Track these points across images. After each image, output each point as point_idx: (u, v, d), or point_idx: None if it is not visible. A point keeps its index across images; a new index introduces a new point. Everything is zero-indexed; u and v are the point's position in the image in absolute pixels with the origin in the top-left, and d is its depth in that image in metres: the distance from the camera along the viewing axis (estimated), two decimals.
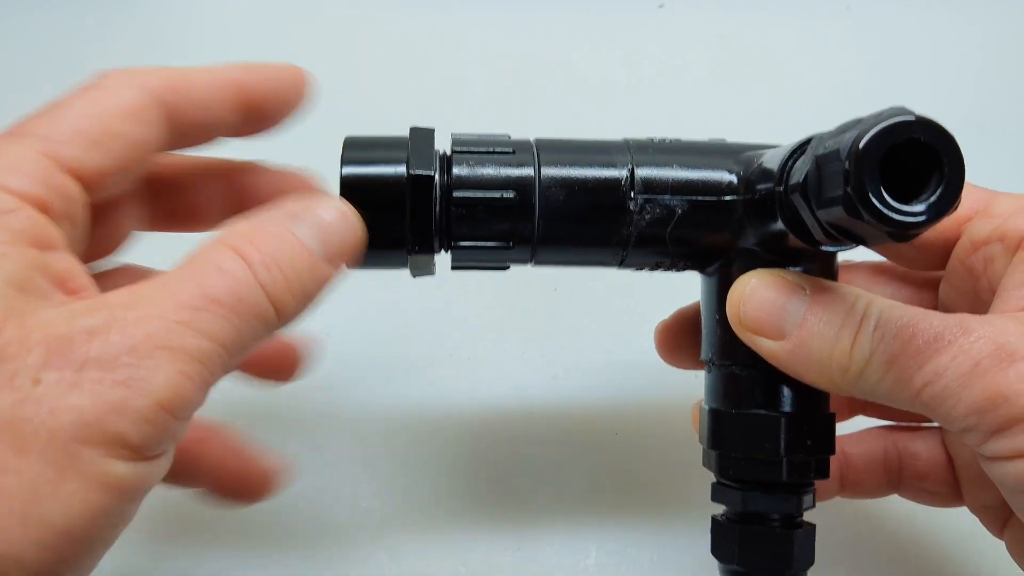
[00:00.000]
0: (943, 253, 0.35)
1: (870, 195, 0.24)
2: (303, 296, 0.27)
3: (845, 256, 0.39)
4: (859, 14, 0.60)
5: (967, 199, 0.34)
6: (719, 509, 0.35)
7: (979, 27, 0.59)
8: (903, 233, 0.24)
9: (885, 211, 0.24)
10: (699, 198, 0.32)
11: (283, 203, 0.28)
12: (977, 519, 0.38)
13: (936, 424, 0.39)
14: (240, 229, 0.27)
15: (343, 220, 0.29)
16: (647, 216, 0.32)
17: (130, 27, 0.59)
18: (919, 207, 0.24)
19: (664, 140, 0.34)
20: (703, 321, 0.35)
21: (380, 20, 0.59)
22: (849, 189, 0.24)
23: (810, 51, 0.59)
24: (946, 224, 0.34)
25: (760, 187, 0.31)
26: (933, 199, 0.24)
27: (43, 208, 0.26)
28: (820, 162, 0.26)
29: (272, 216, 0.28)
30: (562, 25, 0.59)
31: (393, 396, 0.48)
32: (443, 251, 0.34)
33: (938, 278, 0.36)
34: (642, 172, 0.33)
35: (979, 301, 0.33)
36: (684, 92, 0.57)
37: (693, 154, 0.33)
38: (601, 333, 0.49)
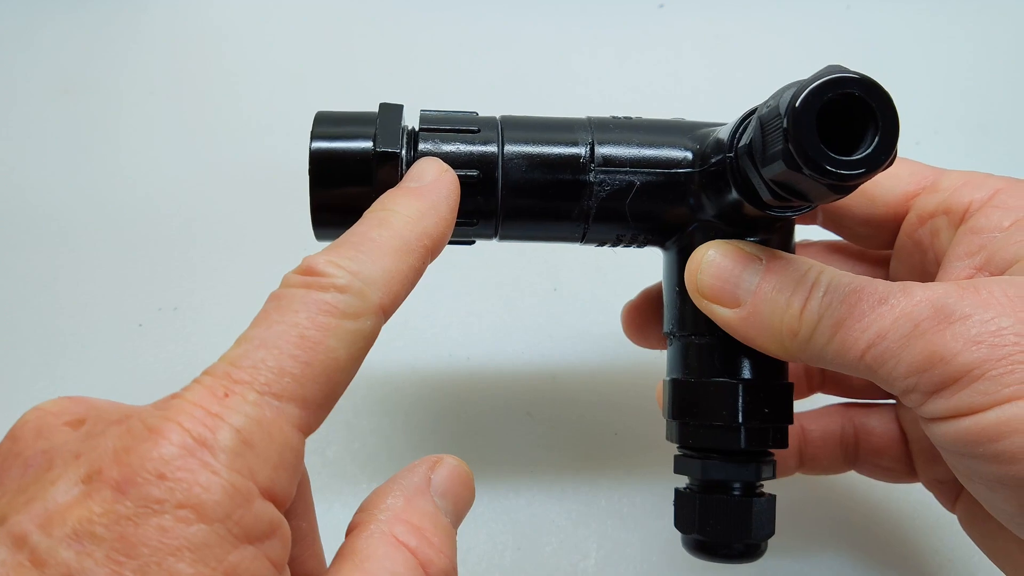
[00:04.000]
0: (893, 229, 0.36)
1: (808, 147, 0.25)
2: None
3: (803, 235, 0.41)
4: (859, 14, 0.61)
5: (915, 176, 0.35)
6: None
7: (978, 27, 0.60)
8: (841, 185, 0.25)
9: (823, 163, 0.25)
10: (656, 171, 0.33)
11: (420, 472, 0.28)
12: (931, 495, 0.38)
13: (891, 401, 0.40)
14: (401, 514, 0.26)
15: (469, 486, 0.29)
16: (607, 189, 0.33)
17: (139, 32, 0.60)
18: (855, 158, 0.25)
19: (625, 118, 0.35)
20: (664, 295, 0.36)
21: (381, 22, 0.60)
22: (789, 143, 0.25)
23: (810, 51, 0.59)
24: (895, 201, 0.35)
25: (714, 159, 0.32)
26: (869, 151, 0.25)
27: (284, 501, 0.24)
28: (763, 122, 0.27)
29: (422, 492, 0.27)
30: (562, 25, 0.60)
31: (393, 396, 0.48)
32: None
33: (890, 256, 0.37)
34: (602, 148, 0.34)
35: (926, 274, 0.34)
36: (684, 92, 0.58)
37: (651, 131, 0.34)
38: (601, 334, 0.50)
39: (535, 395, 0.48)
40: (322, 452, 0.47)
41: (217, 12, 0.61)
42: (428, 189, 0.30)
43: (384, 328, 0.27)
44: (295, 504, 0.29)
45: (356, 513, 0.26)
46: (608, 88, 0.58)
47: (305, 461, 0.45)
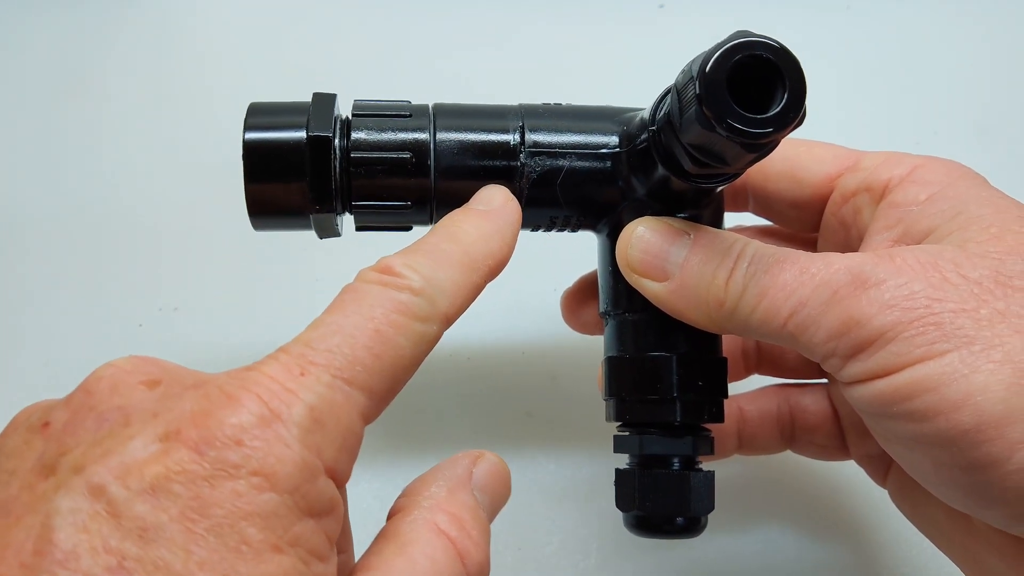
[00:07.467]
0: (819, 210, 0.37)
1: (720, 106, 0.26)
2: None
3: (737, 221, 0.42)
4: (859, 14, 0.61)
5: (839, 158, 0.36)
6: None
7: (978, 27, 0.61)
8: (754, 143, 0.26)
9: (733, 121, 0.26)
10: (585, 152, 0.34)
11: (463, 464, 0.28)
12: (863, 471, 0.39)
13: (823, 381, 0.41)
14: (443, 503, 0.26)
15: (507, 484, 0.29)
16: (537, 171, 0.34)
17: (130, 28, 0.60)
18: (765, 116, 0.26)
19: (555, 104, 0.36)
20: (599, 276, 0.37)
21: (380, 21, 0.60)
22: (702, 104, 0.26)
23: (810, 51, 0.59)
24: (820, 182, 0.36)
25: (639, 138, 0.33)
26: (778, 110, 0.26)
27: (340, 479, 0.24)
28: (678, 89, 0.28)
29: (464, 485, 0.27)
30: (562, 25, 0.61)
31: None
32: (346, 212, 0.35)
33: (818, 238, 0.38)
34: (532, 134, 0.34)
35: (850, 250, 0.35)
36: None
37: (580, 117, 0.35)
38: (601, 334, 0.49)
39: (535, 395, 0.48)
40: None
41: (218, 11, 0.61)
42: (496, 213, 0.32)
43: None
44: None
45: (399, 498, 0.27)
46: (608, 88, 0.56)
47: None
